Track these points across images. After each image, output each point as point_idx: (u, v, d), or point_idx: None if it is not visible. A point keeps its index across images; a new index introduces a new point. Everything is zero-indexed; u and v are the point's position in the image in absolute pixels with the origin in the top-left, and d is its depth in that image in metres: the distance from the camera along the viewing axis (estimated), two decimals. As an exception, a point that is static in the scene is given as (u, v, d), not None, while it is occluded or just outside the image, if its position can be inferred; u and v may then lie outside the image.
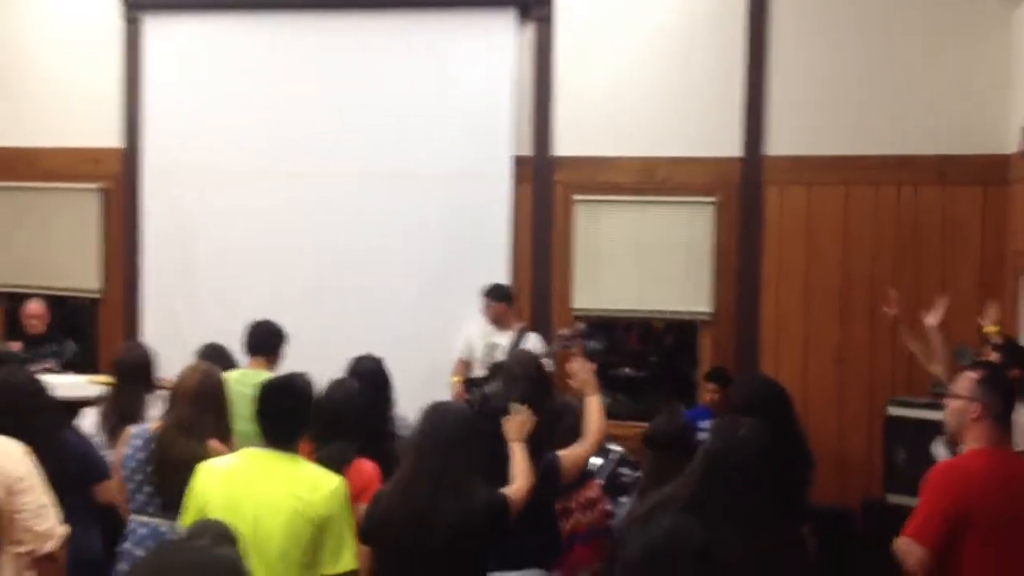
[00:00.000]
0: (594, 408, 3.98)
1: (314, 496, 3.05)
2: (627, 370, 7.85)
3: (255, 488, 3.08)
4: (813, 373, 5.75)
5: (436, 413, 3.26)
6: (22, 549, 2.98)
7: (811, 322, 6.55)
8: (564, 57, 6.79)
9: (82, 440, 4.03)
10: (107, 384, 4.76)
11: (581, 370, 4.09)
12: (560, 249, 6.83)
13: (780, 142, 6.56)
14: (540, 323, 6.71)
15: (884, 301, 5.41)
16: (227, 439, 3.78)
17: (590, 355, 6.31)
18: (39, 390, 3.80)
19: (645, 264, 6.73)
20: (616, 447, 5.10)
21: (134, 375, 4.51)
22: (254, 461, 3.17)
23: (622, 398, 7.53)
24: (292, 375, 3.39)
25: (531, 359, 4.42)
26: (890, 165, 6.39)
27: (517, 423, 3.57)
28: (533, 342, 6.21)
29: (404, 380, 4.41)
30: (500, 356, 6.13)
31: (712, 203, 6.62)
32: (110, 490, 3.94)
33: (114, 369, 4.66)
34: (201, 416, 3.74)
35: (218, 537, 2.03)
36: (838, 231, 6.51)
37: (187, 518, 3.15)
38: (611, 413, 5.95)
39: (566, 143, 6.82)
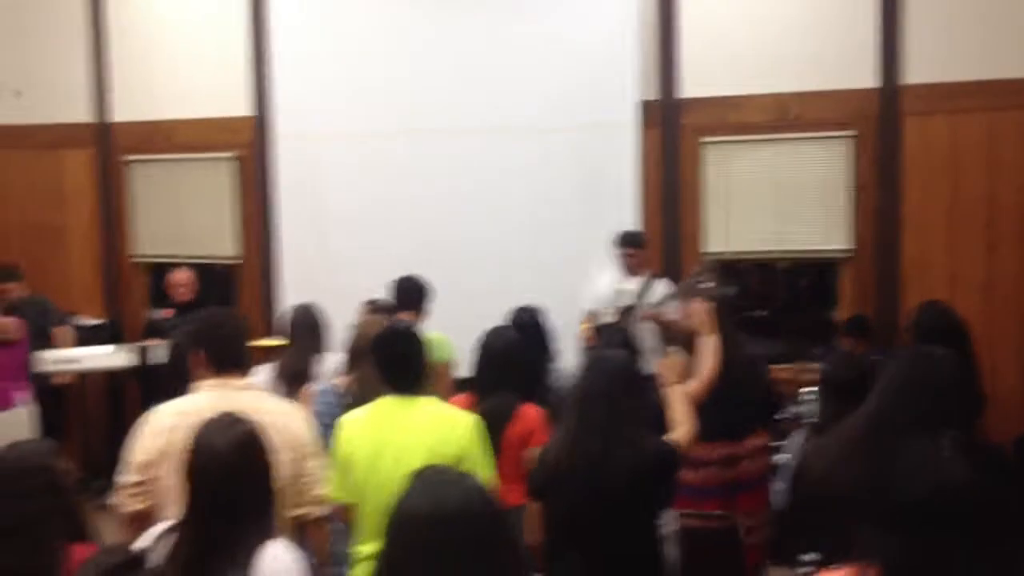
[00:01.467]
0: (708, 348, 3.96)
1: (450, 435, 3.22)
2: (763, 312, 7.70)
3: (394, 434, 3.25)
4: (960, 309, 5.49)
5: (597, 363, 3.26)
6: (299, 511, 3.04)
7: (956, 257, 6.31)
8: (691, -4, 6.64)
9: None
10: (278, 345, 4.90)
11: (698, 310, 4.04)
12: (690, 193, 6.73)
13: (918, 69, 6.29)
14: (672, 269, 6.64)
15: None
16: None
17: (722, 299, 6.22)
18: None
19: (780, 204, 6.57)
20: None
21: (308, 336, 4.65)
22: (389, 408, 3.32)
23: (761, 340, 7.40)
24: (397, 325, 3.52)
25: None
26: (1037, 88, 6.09)
27: (671, 365, 3.56)
28: (662, 288, 6.15)
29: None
30: (628, 300, 6.11)
31: (849, 137, 6.41)
32: None
33: (290, 330, 4.80)
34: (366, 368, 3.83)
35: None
36: (983, 161, 6.23)
37: (336, 469, 3.26)
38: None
39: (693, 84, 6.68)
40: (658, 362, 3.57)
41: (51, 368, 6.65)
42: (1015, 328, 6.20)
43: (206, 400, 3.04)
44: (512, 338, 3.92)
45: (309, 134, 7.11)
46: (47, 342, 6.76)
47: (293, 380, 4.42)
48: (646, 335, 6.02)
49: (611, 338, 5.49)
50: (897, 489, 2.68)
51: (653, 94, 6.70)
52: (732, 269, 7.42)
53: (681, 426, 3.36)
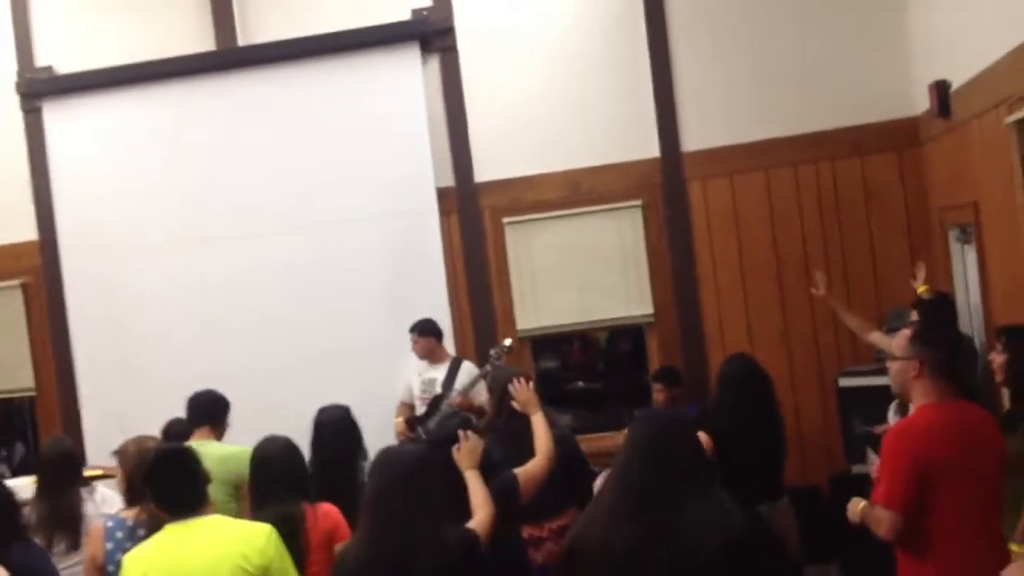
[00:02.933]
0: (539, 426, 3.98)
1: (251, 548, 3.08)
2: (580, 384, 7.84)
3: (193, 558, 3.08)
4: (761, 358, 5.75)
5: (387, 458, 3.20)
6: None
7: (752, 309, 6.60)
8: (472, 83, 6.80)
9: (31, 555, 3.71)
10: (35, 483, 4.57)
11: (522, 390, 4.08)
12: (497, 273, 6.82)
13: (696, 137, 6.63)
14: (485, 350, 6.67)
15: (814, 283, 5.59)
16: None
17: (544, 374, 6.30)
18: None
19: (583, 276, 6.73)
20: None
21: (61, 471, 4.36)
22: (180, 533, 3.15)
23: (582, 412, 7.51)
24: (173, 446, 3.45)
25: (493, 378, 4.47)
26: (804, 143, 6.49)
27: (468, 450, 3.54)
28: (467, 370, 6.17)
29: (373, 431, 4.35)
30: (438, 390, 6.10)
31: (639, 206, 6.66)
32: None
33: (39, 466, 4.50)
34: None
35: None
36: (765, 216, 6.58)
37: None
38: (574, 429, 6.01)
39: (487, 168, 6.82)
40: (455, 447, 3.53)
41: None
42: (813, 370, 6.50)
43: None
44: (284, 442, 3.82)
45: (98, 253, 6.86)
46: None
47: (56, 521, 4.15)
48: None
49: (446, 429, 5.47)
50: (687, 541, 2.75)
51: (449, 180, 6.80)
52: (549, 343, 7.56)
53: (480, 511, 3.33)
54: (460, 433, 3.54)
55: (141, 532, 3.64)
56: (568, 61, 6.75)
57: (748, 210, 6.59)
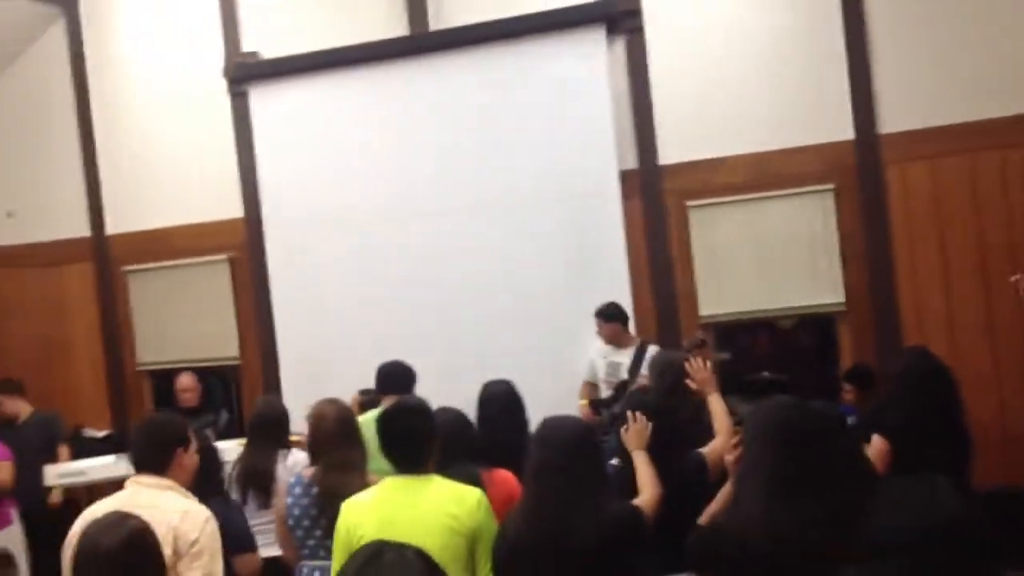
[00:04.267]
0: (716, 406, 3.96)
1: (462, 510, 3.11)
2: (765, 374, 7.60)
3: (404, 513, 3.15)
4: (963, 351, 5.45)
5: (549, 429, 3.19)
6: None
7: (953, 299, 6.24)
8: (658, 64, 6.73)
9: (228, 509, 4.03)
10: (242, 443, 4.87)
11: (698, 370, 4.06)
12: (680, 258, 6.73)
13: (893, 117, 6.32)
14: (669, 335, 6.60)
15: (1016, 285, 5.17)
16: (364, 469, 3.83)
17: (720, 365, 6.16)
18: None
19: (769, 262, 6.55)
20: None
21: (267, 431, 4.62)
22: (396, 488, 3.24)
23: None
24: (406, 399, 3.45)
25: (664, 362, 4.41)
26: (1012, 125, 6.07)
27: (635, 432, 3.51)
28: (653, 355, 6.10)
29: (535, 408, 4.37)
30: (624, 374, 6.06)
31: (830, 190, 6.41)
32: (252, 563, 4.00)
33: (250, 425, 4.79)
34: (350, 451, 3.81)
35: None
36: (968, 202, 6.20)
37: (339, 555, 3.20)
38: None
39: (671, 151, 6.73)
40: (624, 428, 3.52)
41: (57, 482, 6.64)
42: (1021, 365, 6.08)
43: (116, 500, 3.13)
44: (457, 413, 3.90)
45: (298, 229, 7.20)
46: (54, 458, 6.76)
47: (251, 478, 4.39)
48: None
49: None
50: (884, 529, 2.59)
51: (632, 163, 6.75)
52: (732, 332, 7.39)
53: (646, 490, 3.30)
54: (628, 414, 3.52)
55: (314, 490, 3.81)
56: (757, 37, 6.56)
57: (950, 196, 6.23)
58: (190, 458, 3.31)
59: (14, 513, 6.35)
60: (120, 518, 2.52)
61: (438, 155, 6.96)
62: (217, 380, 8.12)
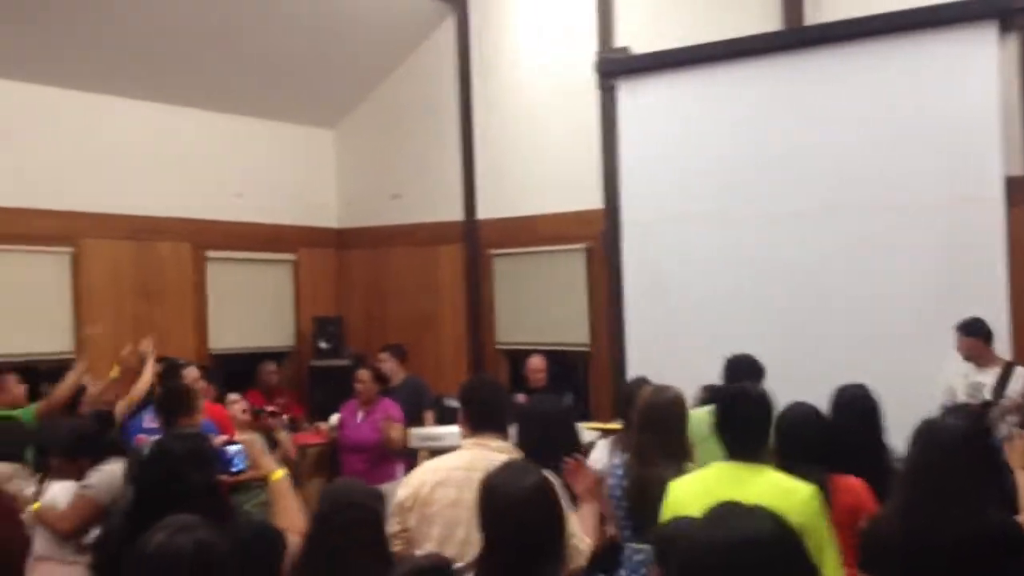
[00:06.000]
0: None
1: (788, 503, 3.01)
2: None
3: (728, 497, 3.10)
4: None
5: (930, 430, 3.02)
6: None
7: None
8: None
9: None
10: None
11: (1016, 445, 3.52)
12: (1070, 274, 6.11)
13: None
14: (1050, 358, 6.02)
15: None
16: (687, 459, 3.82)
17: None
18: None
19: None
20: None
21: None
22: (724, 473, 3.22)
23: None
24: (746, 385, 3.40)
25: None
26: None
27: (1020, 450, 3.25)
28: (1021, 376, 5.58)
29: (897, 421, 4.16)
30: (986, 395, 5.60)
31: None
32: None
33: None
34: (654, 437, 3.84)
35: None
36: None
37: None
38: None
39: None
40: (1007, 445, 3.27)
41: (419, 444, 7.19)
42: None
43: (463, 458, 3.30)
44: (811, 410, 3.76)
45: (655, 222, 7.31)
46: (419, 422, 7.34)
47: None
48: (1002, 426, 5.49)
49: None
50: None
51: (1020, 169, 6.21)
52: None
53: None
54: (1014, 430, 3.27)
55: (619, 471, 3.91)
56: None
57: None
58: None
59: (400, 470, 6.88)
60: (525, 467, 2.69)
61: (803, 154, 6.79)
62: (567, 364, 8.43)
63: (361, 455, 6.70)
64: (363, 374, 6.89)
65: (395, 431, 6.68)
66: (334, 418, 7.13)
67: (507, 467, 2.70)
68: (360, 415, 6.83)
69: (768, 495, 3.05)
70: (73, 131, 7.48)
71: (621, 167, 7.57)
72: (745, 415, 3.25)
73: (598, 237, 7.84)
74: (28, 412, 5.91)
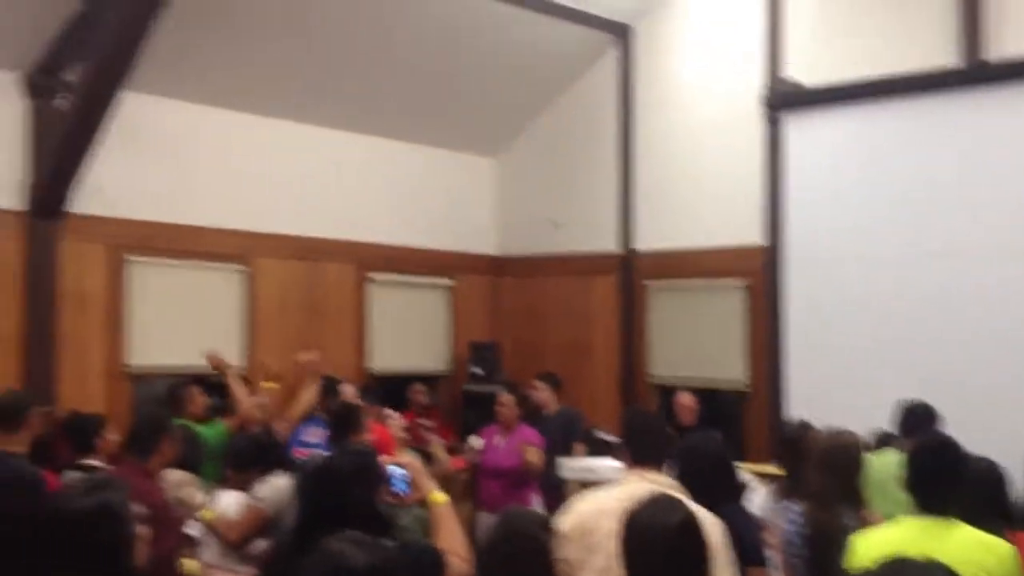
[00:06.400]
0: None
1: (989, 559, 2.89)
2: None
3: (929, 552, 2.97)
4: None
5: None
6: None
7: None
8: None
9: (748, 520, 4.04)
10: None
11: None
12: None
13: None
14: None
15: None
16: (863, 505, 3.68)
17: None
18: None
19: None
20: None
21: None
22: (916, 528, 3.09)
23: None
24: (937, 435, 3.27)
25: None
26: None
27: None
28: None
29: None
30: None
31: None
32: None
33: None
34: (833, 481, 3.71)
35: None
36: None
37: None
38: None
39: None
40: None
41: (568, 475, 7.13)
42: None
43: (625, 490, 3.23)
44: (990, 464, 3.55)
45: (818, 262, 7.12)
46: (569, 451, 7.31)
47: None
48: None
49: None
50: None
51: None
52: None
53: None
54: None
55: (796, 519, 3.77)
56: None
57: None
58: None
59: (535, 497, 6.90)
60: (672, 503, 2.63)
61: (980, 193, 6.53)
62: (720, 402, 8.26)
63: (499, 480, 6.74)
64: (505, 398, 6.95)
65: (533, 456, 6.69)
66: (475, 441, 7.19)
67: (653, 502, 2.64)
68: (500, 440, 6.87)
69: (968, 551, 2.93)
70: (250, 154, 7.82)
71: (786, 203, 7.41)
72: (936, 468, 3.13)
73: (758, 273, 7.68)
74: (218, 429, 6.16)
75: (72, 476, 4.72)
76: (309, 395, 6.19)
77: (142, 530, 2.51)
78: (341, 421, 5.10)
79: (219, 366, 6.43)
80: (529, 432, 6.86)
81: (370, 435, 5.19)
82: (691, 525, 2.57)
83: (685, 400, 7.30)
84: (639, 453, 3.40)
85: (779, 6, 7.64)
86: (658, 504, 2.62)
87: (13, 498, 4.00)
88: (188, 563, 4.35)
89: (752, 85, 7.73)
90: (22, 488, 4.08)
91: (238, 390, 6.17)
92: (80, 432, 5.29)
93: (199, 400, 6.25)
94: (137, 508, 2.51)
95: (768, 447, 7.18)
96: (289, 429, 5.96)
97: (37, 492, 4.05)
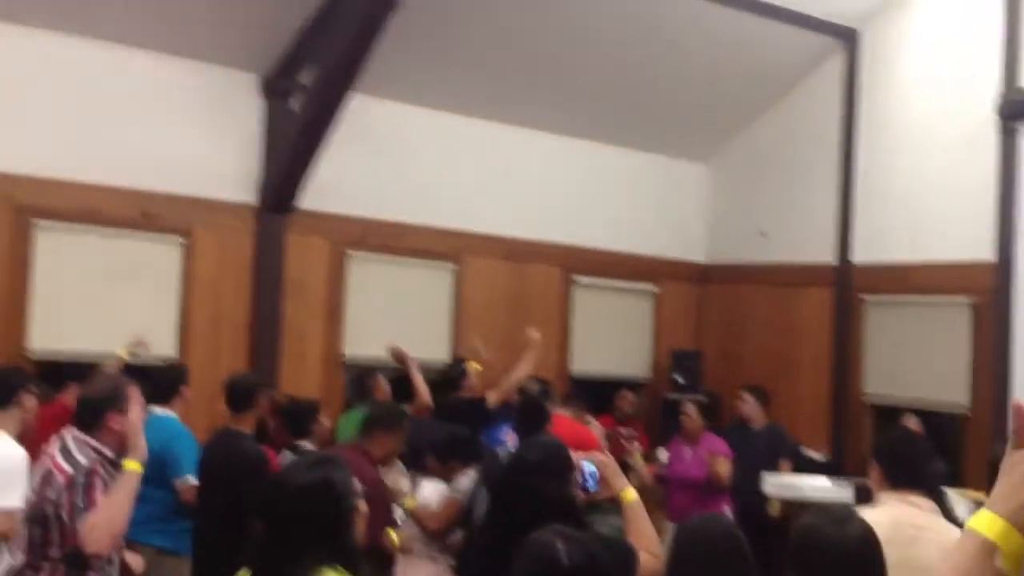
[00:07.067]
0: None
1: None
2: None
3: None
4: None
5: None
6: None
7: None
8: None
9: None
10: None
11: None
12: None
13: None
14: None
15: None
16: None
17: None
18: None
19: None
20: None
21: None
22: None
23: None
24: None
25: None
26: None
27: None
28: None
29: None
30: None
31: None
32: None
33: None
34: None
35: None
36: None
37: None
38: None
39: None
40: None
41: (772, 492, 6.90)
42: None
43: (886, 514, 3.11)
44: None
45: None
46: (775, 467, 7.08)
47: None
48: None
49: None
50: None
51: None
52: None
53: None
54: None
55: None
56: None
57: None
58: None
59: (726, 509, 6.72)
60: (848, 514, 2.53)
61: None
62: (937, 425, 7.79)
63: (687, 491, 6.64)
64: (690, 408, 6.91)
65: (721, 466, 6.57)
66: (661, 454, 7.14)
67: (826, 512, 2.54)
68: (687, 450, 6.79)
69: None
70: (465, 157, 8.04)
71: (1020, 218, 6.92)
72: None
73: (986, 291, 7.20)
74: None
75: (288, 456, 5.02)
76: (526, 367, 6.39)
77: (362, 506, 2.60)
78: (529, 416, 5.17)
79: (401, 358, 6.64)
80: (716, 442, 6.75)
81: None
82: (869, 540, 2.46)
83: (911, 425, 6.94)
84: (895, 475, 3.31)
85: (1018, 13, 7.14)
86: (831, 515, 2.52)
87: (243, 474, 4.30)
88: (393, 534, 4.49)
89: (986, 94, 7.26)
90: (252, 465, 4.37)
91: (419, 381, 6.35)
92: (297, 416, 5.61)
93: (384, 388, 6.47)
94: (357, 485, 2.60)
95: (987, 475, 6.70)
96: (500, 400, 6.13)
97: (264, 469, 4.33)
